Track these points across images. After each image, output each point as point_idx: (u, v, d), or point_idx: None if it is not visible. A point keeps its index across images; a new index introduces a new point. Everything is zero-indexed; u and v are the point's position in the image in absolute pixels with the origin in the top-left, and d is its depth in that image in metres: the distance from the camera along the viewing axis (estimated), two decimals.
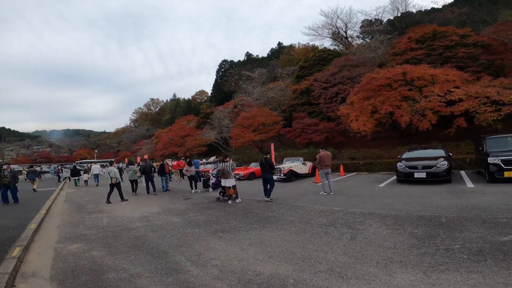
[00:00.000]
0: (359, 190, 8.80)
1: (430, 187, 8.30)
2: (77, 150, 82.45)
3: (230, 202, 7.91)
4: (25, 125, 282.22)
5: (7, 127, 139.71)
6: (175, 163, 16.83)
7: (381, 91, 16.62)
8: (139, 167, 12.51)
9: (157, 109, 77.23)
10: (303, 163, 14.29)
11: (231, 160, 8.23)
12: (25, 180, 16.49)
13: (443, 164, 8.72)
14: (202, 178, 11.81)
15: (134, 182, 11.50)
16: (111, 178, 9.49)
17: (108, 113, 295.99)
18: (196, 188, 11.04)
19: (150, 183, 11.22)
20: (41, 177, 28.15)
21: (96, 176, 17.83)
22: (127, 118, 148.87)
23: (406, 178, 9.15)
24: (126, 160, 44.83)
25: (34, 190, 14.02)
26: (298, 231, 4.87)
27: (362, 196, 7.78)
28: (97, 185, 16.91)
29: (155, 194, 11.09)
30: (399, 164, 9.45)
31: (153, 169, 11.52)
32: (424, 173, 8.72)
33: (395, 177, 11.26)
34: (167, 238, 5.03)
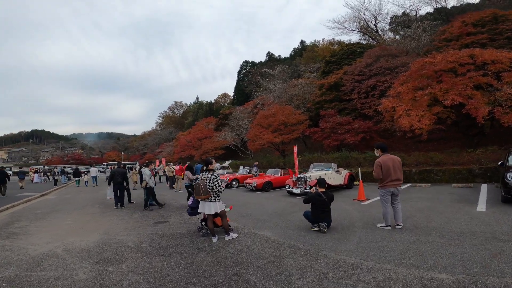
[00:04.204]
0: (448, 220, 5.01)
1: None
2: (107, 152, 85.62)
3: (214, 239, 4.53)
4: (64, 128, 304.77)
5: (47, 130, 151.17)
6: (177, 167, 13.86)
7: (441, 78, 12.74)
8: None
9: (181, 112, 77.17)
10: (337, 171, 10.62)
11: (219, 168, 4.85)
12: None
13: None
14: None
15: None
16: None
17: (139, 117, 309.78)
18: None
19: (119, 193, 8.45)
20: (49, 179, 27.47)
21: (94, 178, 18.94)
22: (154, 121, 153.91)
23: None
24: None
25: (21, 187, 15.95)
26: None
27: (469, 234, 4.03)
28: (94, 186, 17.54)
29: (118, 207, 8.47)
30: (510, 175, 5.55)
31: (126, 176, 8.58)
32: None
33: (485, 192, 7.45)
34: None
